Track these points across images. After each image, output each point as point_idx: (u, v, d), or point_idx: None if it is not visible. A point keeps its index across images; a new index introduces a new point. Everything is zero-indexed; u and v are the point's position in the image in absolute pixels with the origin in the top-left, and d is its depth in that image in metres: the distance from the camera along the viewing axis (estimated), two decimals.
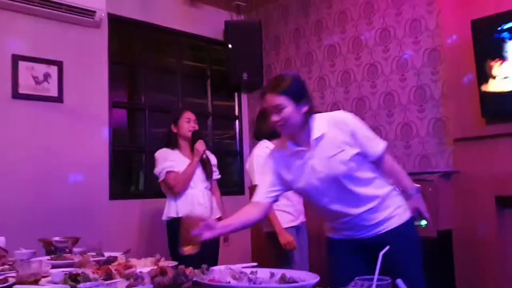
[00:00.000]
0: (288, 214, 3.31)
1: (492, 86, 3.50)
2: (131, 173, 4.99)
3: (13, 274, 1.87)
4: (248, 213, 2.11)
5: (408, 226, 2.13)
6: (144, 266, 2.00)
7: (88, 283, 1.55)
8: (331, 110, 4.69)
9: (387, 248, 1.37)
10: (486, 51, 3.53)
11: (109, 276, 1.75)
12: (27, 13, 3.82)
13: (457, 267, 3.61)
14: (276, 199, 2.14)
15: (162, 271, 1.63)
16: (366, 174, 2.06)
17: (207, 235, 1.93)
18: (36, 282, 1.79)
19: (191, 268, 1.71)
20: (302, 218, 3.48)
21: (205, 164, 3.40)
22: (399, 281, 1.28)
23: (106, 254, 2.41)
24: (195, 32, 5.21)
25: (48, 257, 2.40)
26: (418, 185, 2.22)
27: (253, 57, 5.08)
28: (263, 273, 1.70)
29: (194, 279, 1.63)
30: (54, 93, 3.95)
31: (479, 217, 3.55)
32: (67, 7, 3.90)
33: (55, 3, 3.84)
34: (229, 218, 2.12)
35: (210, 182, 3.43)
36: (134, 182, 4.97)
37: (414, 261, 2.11)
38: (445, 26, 3.91)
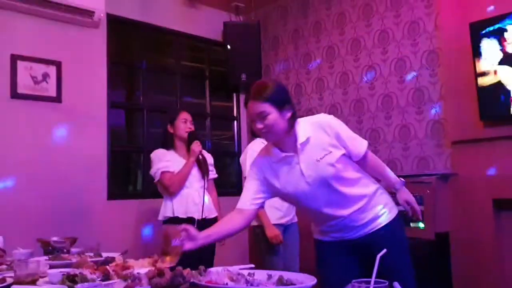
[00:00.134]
0: (277, 210, 3.38)
1: (490, 89, 3.51)
2: (129, 173, 4.99)
3: (11, 274, 1.87)
4: (231, 221, 2.09)
5: (396, 223, 2.14)
6: (141, 267, 2.00)
7: (86, 284, 1.55)
8: (329, 112, 4.72)
9: (384, 251, 1.38)
10: (485, 53, 3.54)
11: (106, 277, 1.75)
12: (26, 13, 3.81)
13: (454, 269, 3.62)
14: (261, 206, 2.12)
15: (160, 272, 1.64)
16: (352, 174, 2.07)
17: (189, 246, 1.90)
18: (33, 282, 1.79)
19: (188, 269, 1.72)
20: (292, 218, 3.53)
21: (201, 164, 3.41)
22: (396, 284, 1.28)
23: (104, 254, 2.40)
24: (194, 33, 5.21)
25: (46, 257, 2.39)
26: (403, 179, 2.23)
27: (251, 58, 5.09)
28: (261, 275, 1.71)
29: (191, 280, 1.63)
30: (52, 93, 3.95)
31: (477, 220, 3.56)
32: (66, 7, 3.90)
33: (54, 3, 3.84)
34: (211, 227, 2.08)
35: (206, 181, 3.43)
36: (132, 182, 4.97)
37: (403, 258, 2.12)
38: (444, 28, 3.92)
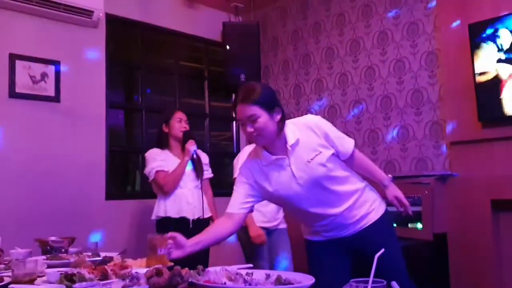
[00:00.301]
0: (259, 213, 3.38)
1: (489, 90, 3.51)
2: (128, 174, 4.98)
3: (9, 274, 1.87)
4: (220, 227, 2.07)
5: (385, 218, 2.17)
6: (140, 267, 2.00)
7: (84, 283, 1.55)
8: (329, 112, 4.73)
9: (382, 250, 1.38)
10: (483, 54, 3.54)
11: (104, 276, 1.74)
12: (24, 12, 3.81)
13: (452, 270, 3.62)
14: (250, 210, 2.11)
15: (158, 272, 1.63)
16: (341, 173, 2.09)
17: (176, 254, 1.88)
18: (31, 281, 1.78)
19: (186, 269, 1.71)
20: (278, 224, 3.57)
21: (195, 163, 3.40)
22: (394, 284, 1.28)
23: (102, 254, 2.40)
24: (193, 33, 5.21)
25: (44, 257, 2.39)
26: (390, 176, 2.26)
27: (250, 58, 5.09)
28: (259, 274, 1.71)
29: (189, 280, 1.63)
30: (51, 92, 3.94)
31: (475, 220, 3.56)
32: (65, 7, 3.90)
33: (53, 2, 3.84)
34: (200, 234, 2.04)
35: (200, 181, 3.42)
36: (130, 183, 4.97)
37: (396, 252, 2.13)
38: (443, 29, 3.93)
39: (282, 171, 2.02)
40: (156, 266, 1.68)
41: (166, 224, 3.24)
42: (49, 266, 2.04)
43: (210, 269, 1.73)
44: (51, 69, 3.95)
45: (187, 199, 3.33)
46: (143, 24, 4.79)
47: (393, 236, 2.20)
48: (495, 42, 3.49)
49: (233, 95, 5.59)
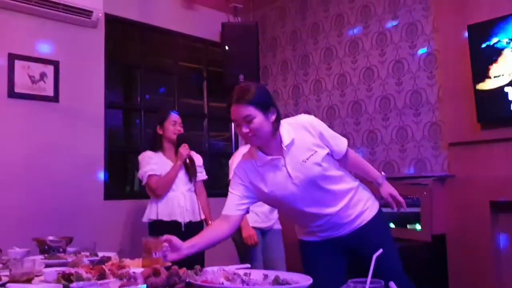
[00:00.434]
0: (253, 213, 3.38)
1: (488, 91, 3.51)
2: (126, 174, 4.98)
3: (6, 273, 1.87)
4: (216, 229, 2.05)
5: (380, 216, 2.17)
6: (137, 267, 2.00)
7: (81, 283, 1.55)
8: (327, 113, 4.73)
9: (380, 251, 1.38)
10: (482, 56, 3.55)
11: (102, 276, 1.74)
12: (24, 12, 3.81)
13: (450, 271, 3.62)
14: (246, 211, 2.10)
15: (155, 272, 1.63)
16: (336, 172, 2.09)
17: (172, 257, 1.86)
18: (29, 281, 1.79)
19: (184, 268, 1.71)
20: (272, 225, 3.55)
21: (188, 166, 3.40)
22: (391, 284, 1.28)
23: (100, 254, 2.40)
24: (192, 33, 5.21)
25: (42, 256, 2.39)
26: (384, 173, 2.27)
27: (249, 59, 5.08)
28: (257, 274, 1.70)
29: (187, 280, 1.63)
30: (50, 92, 3.94)
31: (473, 222, 3.56)
32: (64, 7, 3.90)
33: (52, 2, 3.83)
34: (196, 236, 2.01)
35: (193, 183, 3.42)
36: (129, 183, 4.97)
37: (392, 251, 2.13)
38: (442, 30, 3.93)
39: (277, 171, 2.01)
40: (154, 266, 1.68)
41: (159, 227, 3.24)
42: (46, 266, 2.04)
43: (208, 269, 1.73)
44: (50, 69, 3.95)
45: (179, 202, 3.33)
46: (142, 24, 4.79)
47: (388, 235, 2.21)
48: (494, 42, 3.49)
49: None
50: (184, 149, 3.33)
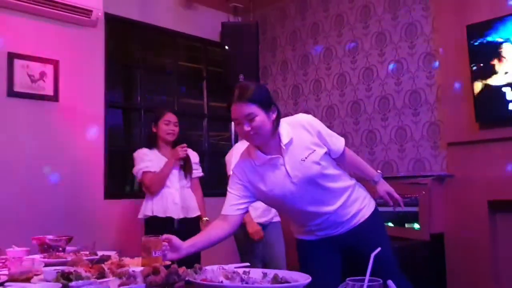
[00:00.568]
0: (252, 208, 3.38)
1: (486, 91, 3.52)
2: (126, 173, 4.97)
3: (5, 272, 1.87)
4: (216, 229, 2.05)
5: (376, 214, 2.19)
6: (137, 265, 2.00)
7: (80, 281, 1.55)
8: (327, 113, 4.73)
9: (378, 249, 1.38)
10: (481, 56, 3.55)
11: (101, 275, 1.74)
12: (23, 11, 3.81)
13: (448, 270, 3.63)
14: (246, 211, 2.10)
15: (155, 270, 1.63)
16: (334, 171, 2.10)
17: (172, 256, 1.87)
18: (28, 280, 1.78)
19: (184, 267, 1.71)
20: (271, 218, 3.56)
21: (184, 163, 3.41)
22: (390, 283, 1.29)
23: (100, 253, 2.40)
24: (192, 33, 5.22)
25: (41, 255, 2.39)
26: (380, 172, 2.29)
27: (249, 58, 5.08)
28: (256, 273, 1.71)
29: (186, 278, 1.63)
30: (49, 92, 3.94)
31: (472, 221, 3.57)
32: (64, 6, 3.90)
33: (52, 1, 3.84)
34: (196, 236, 2.02)
35: (189, 180, 3.43)
36: (129, 182, 4.97)
37: (388, 249, 2.14)
38: (441, 30, 3.94)
39: (276, 170, 2.01)
40: (154, 264, 1.68)
41: (154, 224, 3.26)
42: (46, 265, 2.04)
43: (207, 267, 1.73)
44: (49, 68, 3.95)
45: (173, 198, 3.34)
46: (142, 23, 4.79)
47: (385, 233, 2.23)
48: (493, 43, 3.50)
49: None
50: (181, 151, 3.34)
